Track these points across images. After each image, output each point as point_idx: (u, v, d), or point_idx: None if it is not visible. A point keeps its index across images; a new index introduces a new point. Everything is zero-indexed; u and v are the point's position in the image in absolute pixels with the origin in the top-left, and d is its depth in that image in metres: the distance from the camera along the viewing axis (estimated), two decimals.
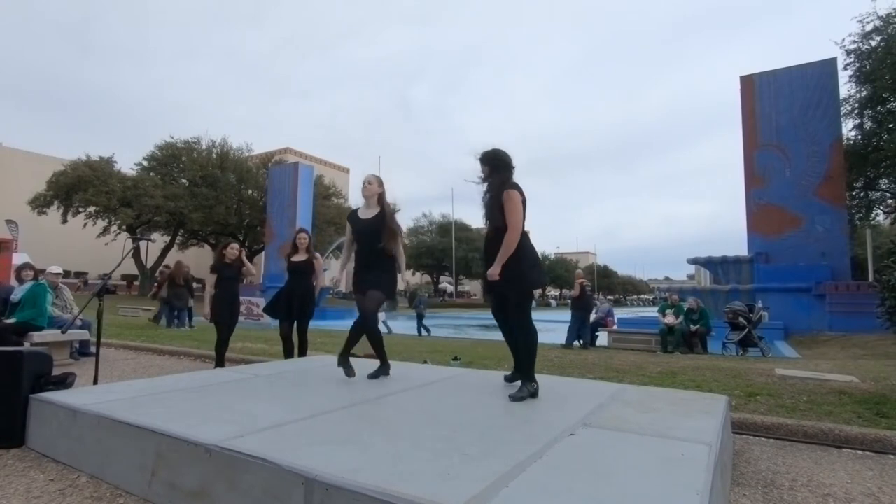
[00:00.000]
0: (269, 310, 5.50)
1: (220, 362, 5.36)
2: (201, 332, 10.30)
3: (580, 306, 10.01)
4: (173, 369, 5.86)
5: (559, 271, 62.10)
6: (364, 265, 3.74)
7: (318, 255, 5.56)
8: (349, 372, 3.69)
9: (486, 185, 3.29)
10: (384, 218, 3.72)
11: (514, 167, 3.29)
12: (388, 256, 3.74)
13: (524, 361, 3.21)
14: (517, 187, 3.16)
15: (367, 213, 3.79)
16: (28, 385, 2.94)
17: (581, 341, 10.35)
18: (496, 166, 3.26)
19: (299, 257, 5.38)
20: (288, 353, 5.39)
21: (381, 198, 3.80)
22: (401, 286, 4.13)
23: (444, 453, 2.01)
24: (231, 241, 5.70)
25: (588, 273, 71.40)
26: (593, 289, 72.21)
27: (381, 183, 3.84)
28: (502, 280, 3.04)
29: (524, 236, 3.14)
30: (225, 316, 5.37)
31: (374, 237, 3.68)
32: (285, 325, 5.34)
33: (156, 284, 13.18)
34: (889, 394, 4.42)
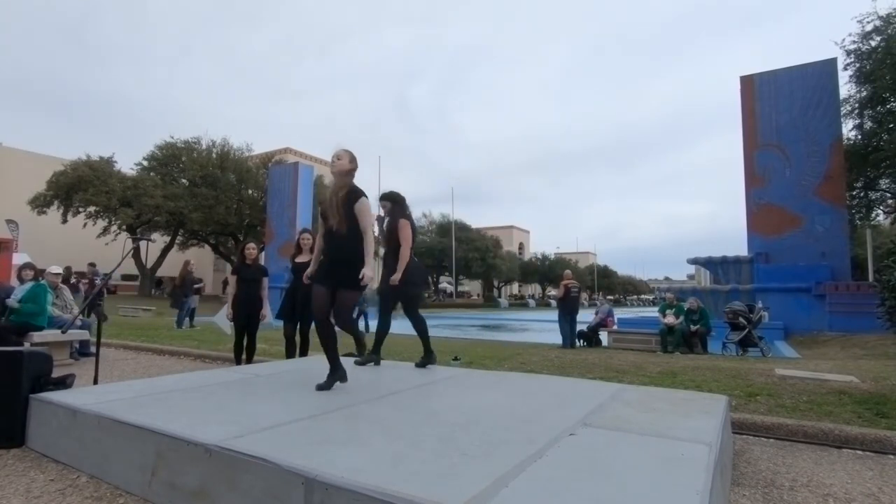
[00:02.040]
0: (279, 313, 5.52)
1: (237, 363, 5.45)
2: (200, 332, 10.30)
3: (564, 307, 10.11)
4: (173, 369, 5.86)
5: (559, 271, 62.07)
6: (328, 254, 3.36)
7: None
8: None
9: (388, 216, 4.39)
10: (349, 198, 3.27)
11: (405, 202, 4.45)
12: (356, 245, 3.28)
13: (425, 342, 4.39)
14: (409, 218, 4.36)
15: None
16: (28, 385, 2.94)
17: (582, 341, 10.37)
18: (396, 202, 4.41)
19: (303, 258, 5.41)
20: (290, 354, 5.41)
21: (349, 175, 3.39)
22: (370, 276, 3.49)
23: (444, 453, 2.01)
24: (249, 241, 5.82)
25: (588, 273, 71.52)
26: (592, 289, 72.00)
27: (352, 159, 3.39)
28: (400, 285, 4.15)
29: (412, 254, 4.25)
30: (241, 317, 5.42)
31: (338, 220, 3.26)
32: (289, 326, 5.36)
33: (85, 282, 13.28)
34: (889, 394, 4.42)
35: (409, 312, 4.33)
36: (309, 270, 3.67)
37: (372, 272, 3.27)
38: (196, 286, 12.82)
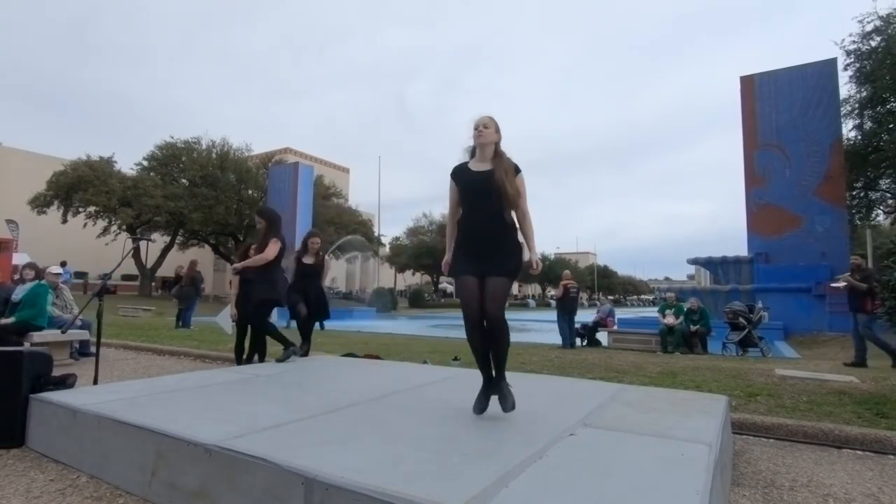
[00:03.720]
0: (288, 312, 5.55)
1: (237, 363, 5.45)
2: (200, 332, 10.30)
3: (563, 307, 10.13)
4: (173, 369, 5.86)
5: (559, 271, 62.04)
6: (477, 238, 2.78)
7: (324, 256, 5.65)
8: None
9: (262, 232, 4.91)
10: (506, 170, 2.76)
11: (280, 222, 5.08)
12: (511, 227, 2.82)
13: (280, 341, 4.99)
14: (281, 236, 4.89)
15: (481, 166, 2.83)
16: (28, 385, 2.94)
17: (582, 342, 10.36)
18: (271, 221, 4.96)
19: (309, 259, 5.43)
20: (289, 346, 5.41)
21: (498, 147, 2.89)
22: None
23: (444, 453, 2.01)
24: (250, 241, 5.80)
25: (588, 273, 71.52)
26: (592, 289, 71.95)
27: (498, 128, 2.89)
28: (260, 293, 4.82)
29: (278, 268, 4.99)
30: (243, 317, 5.42)
31: (492, 197, 2.73)
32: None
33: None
34: (889, 394, 4.42)
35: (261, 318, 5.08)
36: (447, 257, 3.01)
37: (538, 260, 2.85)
38: (201, 286, 12.78)
